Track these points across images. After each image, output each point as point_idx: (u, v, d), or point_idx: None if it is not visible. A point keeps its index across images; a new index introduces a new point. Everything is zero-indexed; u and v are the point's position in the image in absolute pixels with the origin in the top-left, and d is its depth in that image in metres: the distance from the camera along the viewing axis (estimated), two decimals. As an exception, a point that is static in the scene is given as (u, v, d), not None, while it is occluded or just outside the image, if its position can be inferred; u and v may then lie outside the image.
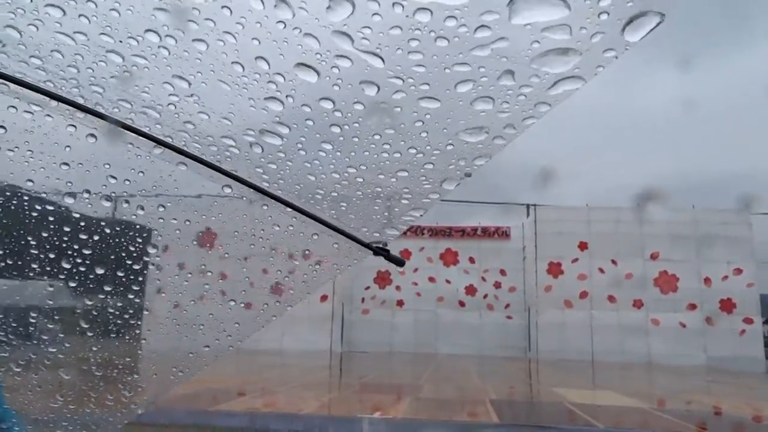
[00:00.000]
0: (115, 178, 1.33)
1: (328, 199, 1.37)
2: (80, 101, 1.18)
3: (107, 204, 1.33)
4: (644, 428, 8.80)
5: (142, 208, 1.42)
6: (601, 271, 26.90)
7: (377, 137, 1.16)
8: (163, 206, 1.44)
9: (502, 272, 30.36)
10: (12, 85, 1.13)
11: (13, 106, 1.18)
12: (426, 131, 1.13)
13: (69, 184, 1.31)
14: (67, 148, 1.27)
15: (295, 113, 1.16)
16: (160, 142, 1.27)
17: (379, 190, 1.30)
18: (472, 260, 30.65)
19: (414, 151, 1.17)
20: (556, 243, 27.21)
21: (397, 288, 30.39)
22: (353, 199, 1.35)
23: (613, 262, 26.90)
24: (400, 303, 30.31)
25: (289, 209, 1.40)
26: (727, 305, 26.09)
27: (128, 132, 1.24)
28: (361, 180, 1.28)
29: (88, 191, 1.32)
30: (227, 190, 1.38)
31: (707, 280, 26.41)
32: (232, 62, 1.09)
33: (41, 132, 1.23)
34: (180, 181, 1.36)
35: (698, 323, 26.08)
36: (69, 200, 1.31)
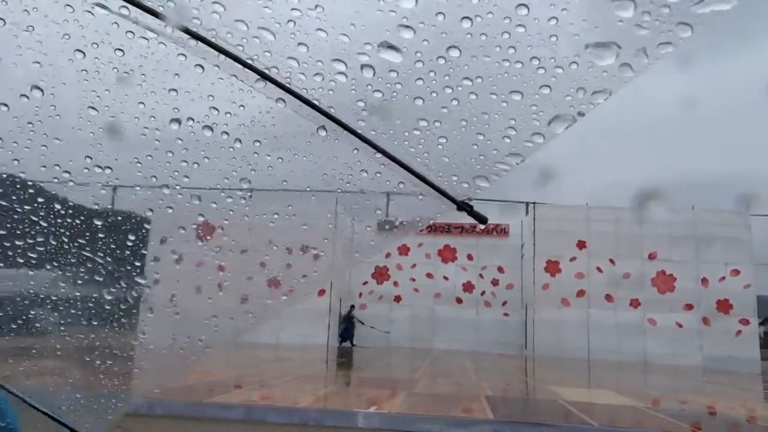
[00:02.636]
0: (217, 110, 1.34)
1: (426, 134, 1.34)
2: (195, 24, 1.18)
3: (208, 134, 1.35)
4: (639, 427, 8.84)
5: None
6: (599, 270, 26.94)
7: (506, 36, 1.10)
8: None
9: (500, 270, 30.39)
10: (132, 8, 1.14)
11: (130, 31, 1.20)
12: (556, 34, 1.07)
13: (175, 110, 1.32)
14: (176, 76, 1.28)
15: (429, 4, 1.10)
16: (262, 75, 1.27)
17: (487, 116, 1.25)
18: (470, 257, 30.67)
19: (536, 63, 1.12)
20: (554, 241, 27.26)
21: (395, 283, 30.40)
22: (453, 132, 1.31)
23: (611, 261, 26.97)
24: (397, 298, 30.32)
25: (379, 154, 1.39)
26: (724, 306, 26.18)
27: (234, 62, 1.25)
28: (473, 97, 1.23)
29: (191, 119, 1.34)
30: (321, 133, 1.38)
31: (704, 281, 26.50)
32: None
33: (154, 59, 1.25)
34: (277, 119, 1.36)
35: (695, 323, 26.16)
36: (174, 126, 1.33)
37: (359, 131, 1.36)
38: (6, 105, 1.22)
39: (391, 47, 1.19)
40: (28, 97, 1.22)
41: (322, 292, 26.58)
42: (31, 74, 1.19)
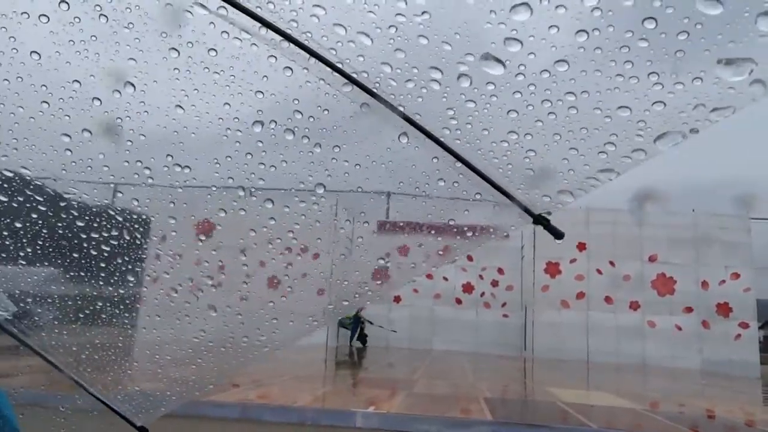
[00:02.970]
0: (300, 113, 1.34)
1: (515, 146, 1.30)
2: (291, 27, 1.18)
3: (289, 138, 1.34)
4: (637, 429, 8.84)
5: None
6: (599, 272, 26.92)
7: (624, 51, 1.03)
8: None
9: (500, 271, 30.33)
10: (230, 9, 1.14)
11: (225, 32, 1.20)
12: (683, 50, 1.01)
13: (259, 113, 1.32)
14: (264, 78, 1.28)
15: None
16: (351, 79, 1.26)
17: (585, 131, 1.19)
18: (470, 258, 30.54)
19: (655, 78, 1.06)
20: (554, 243, 27.17)
21: (395, 283, 30.25)
22: (544, 146, 1.27)
23: (611, 263, 26.94)
24: (396, 299, 30.23)
25: (459, 163, 1.36)
26: (724, 309, 26.19)
27: (323, 65, 1.24)
28: (573, 112, 1.18)
29: (274, 121, 1.34)
30: (403, 140, 1.36)
31: (704, 284, 26.49)
32: None
33: (245, 60, 1.25)
34: (358, 124, 1.35)
35: (694, 326, 26.17)
36: (257, 128, 1.33)
37: (442, 139, 1.34)
38: (99, 99, 1.22)
39: (494, 59, 1.15)
40: (120, 93, 1.22)
41: (321, 292, 26.40)
42: (126, 70, 1.19)
